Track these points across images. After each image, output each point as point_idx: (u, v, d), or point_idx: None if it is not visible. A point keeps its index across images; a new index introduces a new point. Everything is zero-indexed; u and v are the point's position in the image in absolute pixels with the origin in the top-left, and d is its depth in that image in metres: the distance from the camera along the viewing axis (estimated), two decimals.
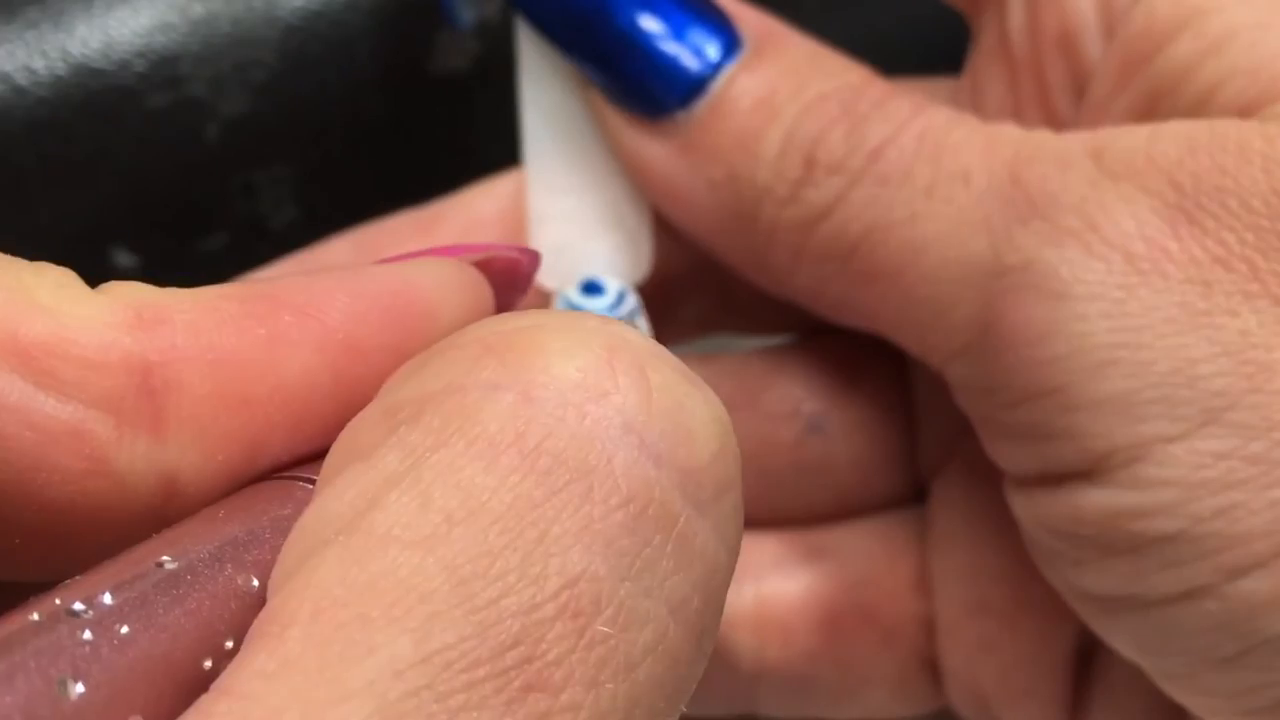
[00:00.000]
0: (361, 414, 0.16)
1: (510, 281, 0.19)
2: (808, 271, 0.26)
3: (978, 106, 0.27)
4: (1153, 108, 0.24)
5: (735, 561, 0.16)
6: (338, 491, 0.15)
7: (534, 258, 0.20)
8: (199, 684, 0.14)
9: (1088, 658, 0.28)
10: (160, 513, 0.17)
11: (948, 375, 0.25)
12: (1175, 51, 0.24)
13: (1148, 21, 0.24)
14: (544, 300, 0.28)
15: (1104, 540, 0.23)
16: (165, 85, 0.28)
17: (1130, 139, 0.23)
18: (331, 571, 0.14)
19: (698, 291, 0.30)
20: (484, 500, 0.14)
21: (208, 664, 0.15)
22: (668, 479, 0.15)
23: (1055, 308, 0.23)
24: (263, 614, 0.14)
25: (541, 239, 0.28)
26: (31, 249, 0.29)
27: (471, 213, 0.28)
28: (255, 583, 0.15)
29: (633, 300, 0.28)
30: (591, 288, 0.28)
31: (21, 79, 0.28)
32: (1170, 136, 0.23)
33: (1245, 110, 0.23)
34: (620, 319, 0.27)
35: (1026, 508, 0.25)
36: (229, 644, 0.15)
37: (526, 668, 0.14)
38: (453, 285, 0.18)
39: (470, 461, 0.15)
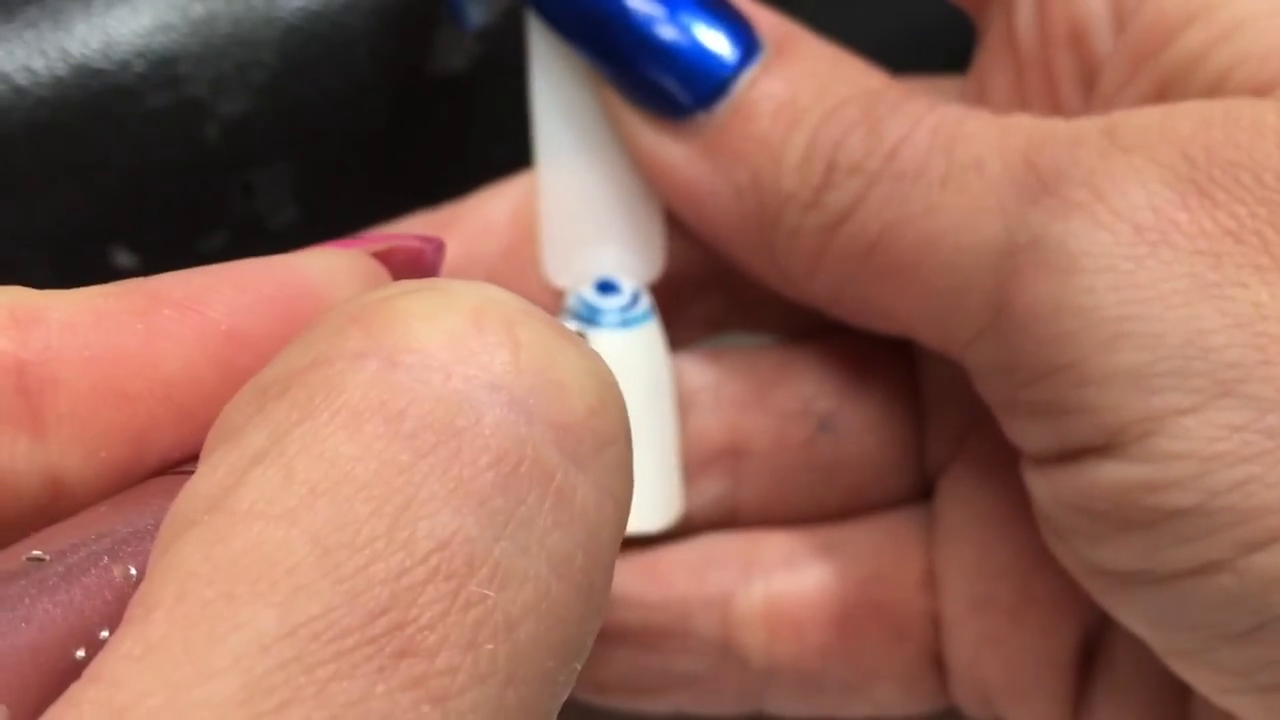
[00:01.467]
0: (235, 396, 0.16)
1: (414, 273, 0.20)
2: (827, 275, 0.27)
3: (984, 104, 0.28)
4: (1164, 95, 0.25)
5: (625, 516, 0.16)
6: (206, 472, 0.15)
7: (439, 247, 0.20)
8: (71, 674, 0.14)
9: (1092, 654, 0.29)
10: (48, 512, 0.17)
11: (966, 362, 0.26)
12: (1186, 40, 0.25)
13: (1158, 14, 0.25)
14: (556, 299, 0.29)
15: (1119, 515, 0.24)
16: (165, 85, 0.29)
17: (1143, 117, 0.24)
18: (196, 550, 0.14)
19: (708, 290, 0.30)
20: (348, 469, 0.15)
21: (80, 654, 0.15)
22: (540, 435, 0.16)
23: (1064, 282, 0.23)
24: (133, 599, 0.15)
25: (553, 238, 0.29)
26: (31, 249, 0.30)
27: (484, 215, 0.29)
28: (134, 572, 0.16)
29: (647, 299, 0.29)
30: (606, 287, 0.29)
31: (21, 79, 0.29)
32: (1184, 113, 0.24)
33: (1258, 93, 0.24)
34: (633, 318, 0.29)
35: (1043, 486, 0.25)
36: (104, 634, 0.15)
37: (398, 634, 0.14)
38: (344, 275, 0.18)
39: (334, 431, 0.15)
